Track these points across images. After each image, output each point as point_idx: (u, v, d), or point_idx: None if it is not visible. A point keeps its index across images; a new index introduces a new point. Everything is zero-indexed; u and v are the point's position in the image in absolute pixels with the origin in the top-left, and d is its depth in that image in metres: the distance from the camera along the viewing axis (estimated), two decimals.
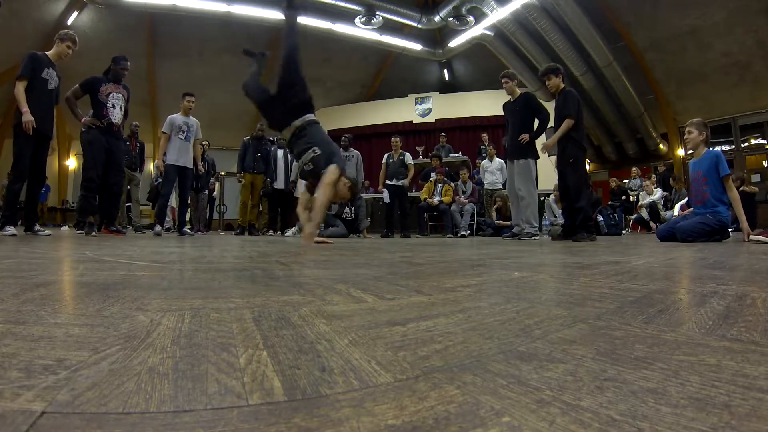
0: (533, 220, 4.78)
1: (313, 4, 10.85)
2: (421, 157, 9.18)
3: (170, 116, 5.52)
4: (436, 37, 12.93)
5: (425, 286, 1.03)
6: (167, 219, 8.08)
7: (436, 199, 7.30)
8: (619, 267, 1.52)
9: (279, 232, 7.30)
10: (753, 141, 11.15)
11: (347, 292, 0.91)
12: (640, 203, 8.72)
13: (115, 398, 0.34)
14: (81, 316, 0.64)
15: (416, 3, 11.49)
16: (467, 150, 10.27)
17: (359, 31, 11.48)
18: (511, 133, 4.95)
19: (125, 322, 0.60)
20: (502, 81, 4.94)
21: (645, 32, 10.41)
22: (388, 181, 6.83)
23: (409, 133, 13.21)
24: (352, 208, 6.52)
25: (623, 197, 9.06)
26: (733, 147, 11.11)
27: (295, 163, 6.58)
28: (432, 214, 7.69)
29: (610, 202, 8.50)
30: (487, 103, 12.28)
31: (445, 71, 14.87)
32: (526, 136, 4.71)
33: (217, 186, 8.85)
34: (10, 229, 3.70)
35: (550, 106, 4.86)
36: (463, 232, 7.05)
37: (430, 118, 13.55)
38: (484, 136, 8.97)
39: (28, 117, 3.73)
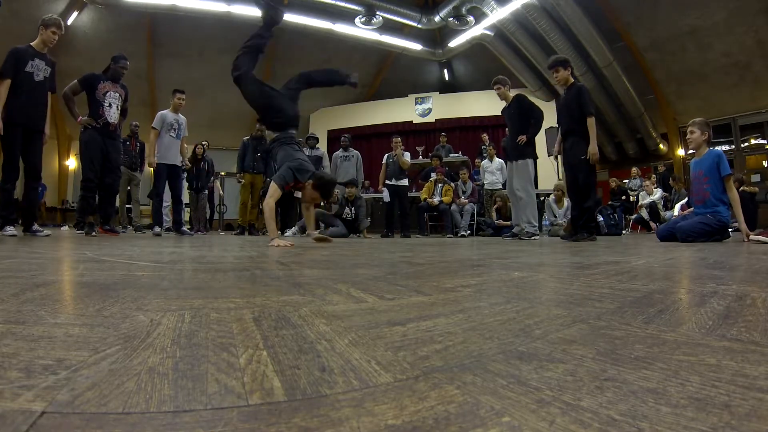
0: (533, 220, 4.78)
1: (313, 4, 10.86)
2: (421, 157, 9.18)
3: (160, 112, 5.47)
4: (436, 37, 12.93)
5: (425, 286, 1.03)
6: (167, 219, 8.10)
7: (436, 199, 7.30)
8: (619, 267, 1.52)
9: (279, 232, 7.30)
10: (753, 141, 11.15)
11: (347, 292, 0.91)
12: (640, 203, 8.72)
13: (115, 398, 0.34)
14: (81, 316, 0.64)
15: (416, 3, 11.49)
16: (467, 150, 10.28)
17: (359, 31, 11.48)
18: (510, 135, 4.97)
19: (125, 322, 0.60)
20: (494, 87, 4.93)
21: (645, 32, 10.41)
22: (387, 181, 6.83)
23: (409, 133, 13.21)
24: (352, 209, 6.52)
25: (623, 197, 9.06)
26: (733, 147, 11.11)
27: None
28: (432, 214, 7.69)
29: (610, 202, 8.50)
30: (487, 103, 12.26)
31: (445, 71, 14.87)
32: (523, 137, 4.72)
33: (217, 184, 8.81)
34: (10, 230, 3.68)
35: (549, 106, 4.86)
36: (463, 232, 7.05)
37: (430, 118, 13.55)
38: (485, 136, 8.97)
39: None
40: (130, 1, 9.98)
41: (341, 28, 11.44)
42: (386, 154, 7.01)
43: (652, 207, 8.44)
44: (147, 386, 0.37)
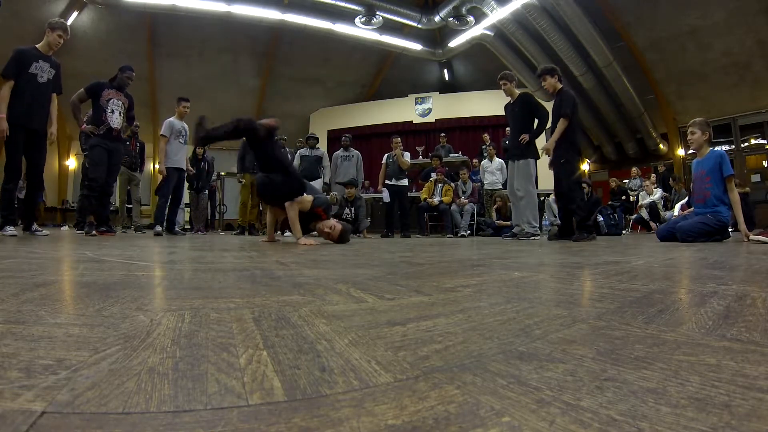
0: (533, 220, 4.78)
1: (313, 4, 10.85)
2: (421, 157, 9.17)
3: (168, 120, 5.68)
4: (436, 37, 12.93)
5: (425, 286, 1.03)
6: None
7: (436, 199, 7.30)
8: (619, 267, 1.52)
9: (279, 232, 7.30)
10: (753, 141, 11.15)
11: (347, 292, 0.91)
12: (640, 203, 8.71)
13: (115, 398, 0.34)
14: (81, 316, 0.64)
15: (416, 3, 11.48)
16: (467, 150, 10.27)
17: (359, 31, 11.47)
18: (512, 134, 4.96)
19: (125, 322, 0.60)
20: (500, 83, 4.94)
21: (645, 32, 10.40)
22: (387, 181, 6.82)
23: (409, 133, 13.20)
24: (353, 209, 6.51)
25: (623, 197, 9.05)
26: (733, 147, 11.10)
27: (295, 163, 6.59)
28: (432, 214, 7.69)
29: (610, 202, 8.49)
30: (487, 103, 12.27)
31: (445, 71, 14.86)
32: (525, 136, 4.72)
33: (218, 183, 8.80)
34: (10, 230, 3.69)
35: (549, 106, 4.86)
36: (463, 232, 7.05)
37: (430, 118, 13.54)
38: (486, 136, 8.96)
39: (2, 125, 3.64)
40: (130, 1, 9.97)
41: (341, 28, 11.43)
42: (386, 154, 7.00)
43: (652, 207, 8.44)
44: (147, 386, 0.37)
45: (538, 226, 4.86)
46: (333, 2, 10.55)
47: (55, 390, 0.35)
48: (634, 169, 10.26)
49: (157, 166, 7.40)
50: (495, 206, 7.43)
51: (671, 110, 11.78)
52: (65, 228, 8.11)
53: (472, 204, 7.36)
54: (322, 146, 9.64)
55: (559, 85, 4.57)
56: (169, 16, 10.67)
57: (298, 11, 10.99)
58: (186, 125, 5.76)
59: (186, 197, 7.54)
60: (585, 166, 14.43)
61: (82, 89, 4.46)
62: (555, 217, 7.10)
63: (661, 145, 12.47)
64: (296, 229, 3.41)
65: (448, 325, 0.62)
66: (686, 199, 7.38)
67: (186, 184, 7.47)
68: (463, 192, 7.54)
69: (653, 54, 10.75)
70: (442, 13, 10.72)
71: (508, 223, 6.16)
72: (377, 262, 1.71)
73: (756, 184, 10.35)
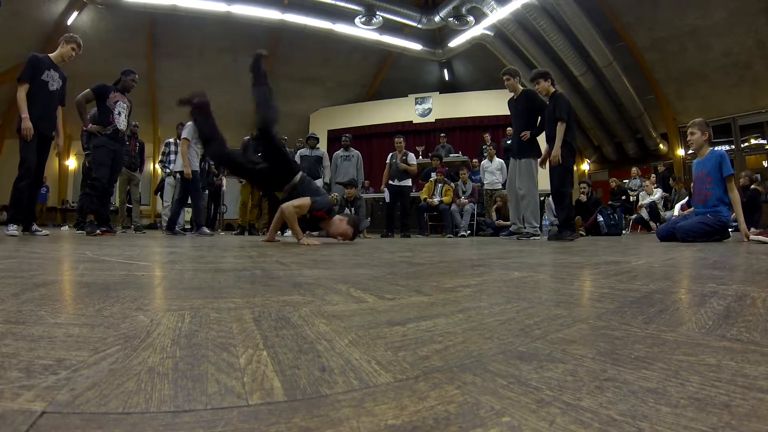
0: (533, 220, 4.77)
1: (313, 4, 10.85)
2: (421, 157, 9.18)
3: (189, 124, 5.81)
4: (436, 37, 12.93)
5: (425, 286, 1.03)
6: (166, 219, 8.09)
7: (436, 199, 7.30)
8: (619, 267, 1.52)
9: (279, 232, 7.29)
10: (753, 141, 11.15)
11: (347, 292, 0.91)
12: (640, 203, 8.71)
13: (115, 398, 0.34)
14: (81, 316, 0.64)
15: (416, 3, 11.48)
16: (467, 150, 10.27)
17: (359, 31, 11.47)
18: (515, 131, 4.96)
19: (125, 322, 0.60)
20: (504, 78, 4.92)
21: (645, 32, 10.40)
22: (390, 182, 6.81)
23: (409, 133, 13.20)
24: (352, 209, 6.51)
25: (623, 197, 9.04)
26: (733, 147, 11.11)
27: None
28: (432, 214, 7.69)
29: (610, 202, 8.49)
30: (487, 103, 12.27)
31: (445, 71, 14.86)
32: (527, 133, 4.72)
33: (224, 181, 8.78)
34: (13, 228, 3.73)
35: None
36: (463, 232, 7.05)
37: (430, 118, 13.55)
38: (486, 136, 8.96)
39: (27, 123, 3.79)
40: (130, 1, 9.97)
41: (341, 28, 11.43)
42: (390, 154, 6.99)
43: (652, 207, 8.44)
44: (147, 386, 0.37)
45: (538, 226, 4.86)
46: (333, 2, 10.55)
47: (55, 390, 0.35)
48: (634, 169, 10.26)
49: (157, 166, 7.40)
50: (495, 206, 7.44)
51: (671, 110, 11.78)
52: (65, 228, 8.11)
53: (472, 204, 7.36)
54: (322, 146, 9.61)
55: (552, 89, 4.61)
56: (169, 16, 10.67)
57: (298, 11, 10.99)
58: None
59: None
60: (585, 166, 14.44)
61: (89, 90, 4.53)
62: (555, 217, 7.10)
63: (661, 145, 12.47)
64: (295, 230, 3.40)
65: (448, 325, 0.62)
66: (686, 199, 7.39)
67: None
68: (463, 192, 7.55)
69: (653, 54, 10.75)
70: (442, 13, 10.73)
71: (508, 223, 6.17)
72: (377, 262, 1.71)
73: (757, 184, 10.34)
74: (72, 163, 13.84)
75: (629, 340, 0.53)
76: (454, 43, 12.23)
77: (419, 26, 11.43)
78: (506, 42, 11.29)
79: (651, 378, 0.40)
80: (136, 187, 7.42)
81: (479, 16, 10.69)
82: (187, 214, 7.82)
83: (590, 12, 9.69)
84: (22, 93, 3.83)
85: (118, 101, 4.63)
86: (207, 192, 8.22)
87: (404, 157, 6.80)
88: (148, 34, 11.77)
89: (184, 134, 5.79)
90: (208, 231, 5.92)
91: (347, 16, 11.01)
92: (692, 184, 4.45)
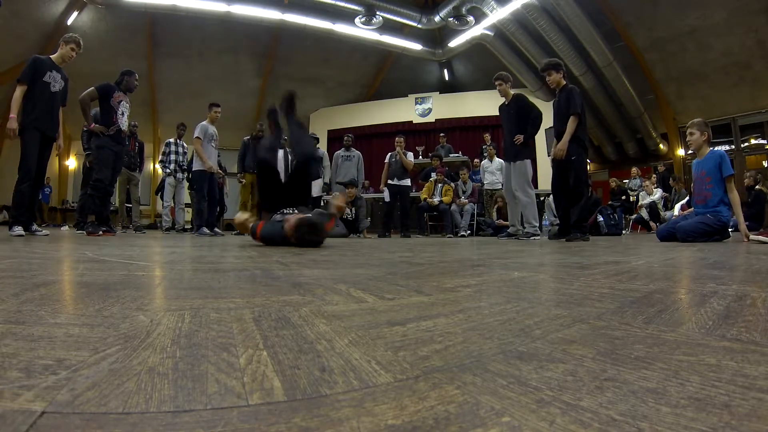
0: (533, 220, 4.78)
1: (313, 4, 10.85)
2: (421, 157, 9.18)
3: (201, 124, 5.92)
4: (436, 37, 12.92)
5: (425, 286, 1.03)
6: (167, 219, 8.10)
7: (436, 199, 7.30)
8: (619, 267, 1.52)
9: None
10: (753, 141, 11.14)
11: (347, 292, 0.91)
12: (640, 203, 8.71)
13: (115, 398, 0.34)
14: (81, 316, 0.64)
15: (416, 3, 11.48)
16: (467, 150, 10.27)
17: (359, 31, 11.46)
18: (507, 135, 4.92)
19: (125, 322, 0.60)
20: (496, 83, 4.93)
21: (645, 32, 10.40)
22: (390, 181, 6.81)
23: (409, 133, 13.18)
24: (353, 209, 6.51)
25: (623, 197, 9.04)
26: (733, 147, 11.10)
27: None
28: (432, 214, 7.69)
29: (610, 202, 8.49)
30: (487, 103, 12.24)
31: (445, 71, 14.86)
32: (520, 137, 4.71)
33: (227, 181, 8.77)
34: (17, 230, 3.75)
35: (549, 106, 4.85)
36: (463, 232, 7.05)
37: (430, 118, 13.54)
38: (487, 136, 8.96)
39: (13, 124, 3.79)
40: (130, 1, 9.97)
41: (341, 28, 11.42)
42: (389, 153, 6.99)
43: (652, 207, 8.44)
44: (147, 386, 0.37)
45: (538, 226, 4.86)
46: (333, 2, 10.54)
47: (55, 390, 0.35)
48: (634, 169, 10.26)
49: (157, 166, 7.42)
50: (495, 206, 7.44)
51: (671, 110, 11.77)
52: (65, 228, 8.11)
53: (472, 204, 7.36)
54: (323, 146, 9.62)
55: (563, 82, 4.48)
56: (169, 16, 10.67)
57: (298, 11, 10.98)
58: (216, 130, 6.04)
59: (186, 197, 7.54)
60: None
61: (93, 89, 4.54)
62: (555, 217, 7.10)
63: (661, 145, 12.47)
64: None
65: (448, 325, 0.62)
66: (686, 199, 7.39)
67: (186, 184, 7.50)
68: (463, 192, 7.55)
69: (653, 54, 10.75)
70: (442, 13, 10.72)
71: (508, 223, 6.17)
72: (377, 262, 1.71)
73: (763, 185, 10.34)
74: (72, 163, 13.84)
75: (629, 340, 0.53)
76: (454, 43, 12.23)
77: (419, 26, 11.43)
78: (506, 42, 11.29)
79: (651, 378, 0.40)
80: (136, 187, 7.42)
81: (479, 16, 10.68)
82: (187, 214, 7.81)
83: (590, 12, 9.69)
84: (17, 93, 3.85)
85: (121, 101, 4.65)
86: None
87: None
88: (148, 34, 11.76)
89: (196, 133, 5.81)
90: (207, 231, 5.92)
91: (347, 16, 11.01)
92: (692, 184, 4.44)
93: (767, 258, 1.91)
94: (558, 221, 5.35)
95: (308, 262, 1.72)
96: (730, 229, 3.92)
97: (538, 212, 5.16)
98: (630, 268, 1.50)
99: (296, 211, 3.02)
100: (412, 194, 8.03)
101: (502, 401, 0.34)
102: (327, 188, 7.02)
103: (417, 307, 0.75)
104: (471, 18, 10.57)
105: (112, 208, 5.58)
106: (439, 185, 7.41)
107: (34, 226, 4.18)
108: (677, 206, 7.46)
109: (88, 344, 0.49)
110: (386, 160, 6.97)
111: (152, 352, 0.47)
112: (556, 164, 4.52)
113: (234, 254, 2.17)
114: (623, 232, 7.59)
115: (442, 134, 9.82)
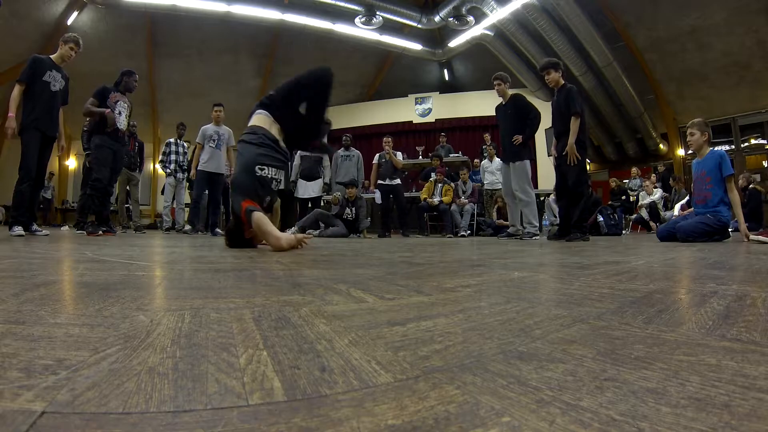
0: (533, 220, 4.78)
1: (313, 4, 10.85)
2: (421, 157, 9.17)
3: (203, 127, 6.03)
4: (436, 37, 12.92)
5: (425, 286, 1.03)
6: (167, 219, 8.10)
7: (436, 199, 7.30)
8: (619, 267, 1.52)
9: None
10: (753, 141, 11.15)
11: (347, 292, 0.91)
12: (640, 203, 8.71)
13: (115, 398, 0.34)
14: (81, 316, 0.64)
15: (416, 3, 11.48)
16: (467, 150, 10.27)
17: (359, 31, 11.46)
18: (505, 136, 4.91)
19: (125, 322, 0.60)
20: (494, 83, 4.93)
21: (645, 32, 10.40)
22: (380, 181, 6.81)
23: (409, 133, 13.20)
24: (353, 209, 6.51)
25: (623, 197, 9.05)
26: (733, 147, 11.10)
27: (295, 163, 6.59)
28: (432, 214, 7.69)
29: (610, 202, 8.49)
30: (487, 103, 12.22)
31: (445, 71, 14.86)
32: (518, 138, 4.71)
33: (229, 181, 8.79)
34: (17, 230, 3.75)
35: (548, 106, 4.85)
36: (463, 232, 7.05)
37: (430, 118, 13.55)
38: (487, 136, 8.97)
39: (12, 123, 3.80)
40: (130, 1, 9.96)
41: (341, 28, 11.42)
42: (377, 154, 7.00)
43: (652, 207, 8.44)
44: (147, 386, 0.37)
45: (538, 225, 4.86)
46: (333, 2, 10.54)
47: (55, 390, 0.35)
48: (634, 169, 10.26)
49: (157, 166, 7.43)
50: (495, 206, 7.44)
51: (671, 110, 11.78)
52: (65, 228, 8.11)
53: (472, 204, 7.36)
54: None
55: (562, 81, 4.47)
56: (169, 16, 10.67)
57: (298, 11, 10.98)
58: (221, 129, 6.07)
59: (186, 197, 7.53)
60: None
61: (92, 97, 4.57)
62: (555, 217, 7.10)
63: (661, 145, 12.47)
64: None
65: (448, 325, 0.62)
66: (686, 199, 7.40)
67: (186, 184, 7.49)
68: (463, 192, 7.54)
69: (653, 54, 10.75)
70: (442, 13, 10.72)
71: (508, 223, 6.17)
72: (377, 262, 1.71)
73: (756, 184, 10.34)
74: (72, 163, 13.84)
75: (629, 340, 0.53)
76: (454, 43, 12.23)
77: (419, 26, 11.43)
78: (506, 42, 11.29)
79: (651, 378, 0.40)
80: (136, 187, 7.41)
81: (479, 16, 10.68)
82: (187, 214, 7.81)
83: (590, 12, 9.69)
84: (15, 92, 3.85)
85: (118, 101, 4.66)
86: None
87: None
88: (148, 34, 11.76)
89: (197, 139, 5.98)
90: (219, 231, 5.95)
91: (347, 16, 11.01)
92: (692, 184, 4.44)
93: (767, 258, 1.91)
94: (558, 221, 5.36)
95: (308, 262, 1.72)
96: (730, 229, 3.92)
97: (538, 212, 5.16)
98: (630, 268, 1.50)
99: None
100: (413, 194, 8.03)
101: (502, 401, 0.34)
102: (327, 188, 7.01)
103: (417, 307, 0.75)
104: (471, 18, 10.57)
105: (111, 208, 5.58)
106: (439, 185, 7.40)
107: (34, 226, 4.18)
108: (677, 206, 7.46)
109: (88, 344, 0.49)
110: (375, 161, 6.97)
111: (152, 352, 0.47)
112: (558, 165, 4.52)
113: (234, 254, 2.17)
114: (623, 232, 7.59)
115: (442, 134, 9.81)
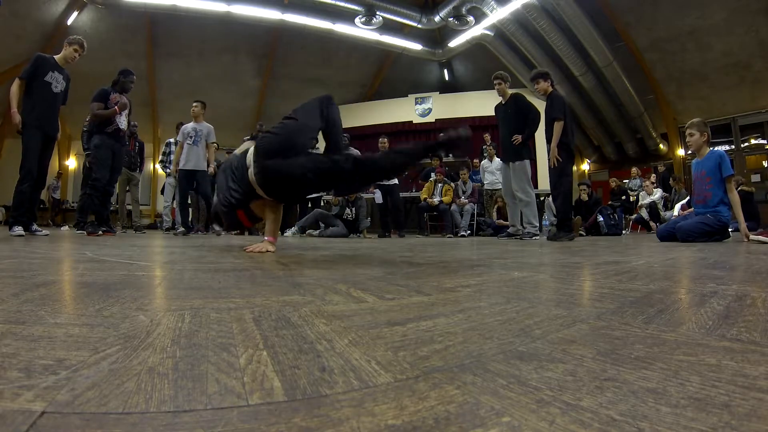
0: (533, 220, 4.78)
1: (313, 4, 10.85)
2: None
3: (183, 126, 5.96)
4: (436, 37, 12.92)
5: (425, 286, 1.03)
6: (167, 219, 8.10)
7: (436, 199, 7.29)
8: (619, 267, 1.52)
9: (279, 232, 7.28)
10: (753, 141, 11.14)
11: (347, 292, 0.91)
12: (640, 203, 8.71)
13: (115, 398, 0.34)
14: (81, 316, 0.64)
15: (416, 3, 11.47)
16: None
17: (359, 31, 11.46)
18: (505, 135, 4.93)
19: (125, 322, 0.60)
20: (495, 83, 4.95)
21: (645, 32, 10.40)
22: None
23: (409, 133, 13.18)
24: (353, 209, 6.51)
25: (623, 197, 9.04)
26: (733, 147, 11.10)
27: None
28: (432, 214, 7.68)
29: (610, 202, 8.49)
30: (487, 103, 12.19)
31: (445, 71, 14.86)
32: (518, 137, 4.72)
33: None
34: (17, 230, 3.76)
35: (541, 105, 4.86)
36: (463, 232, 7.05)
37: (430, 118, 13.53)
38: (487, 136, 8.96)
39: (16, 118, 3.81)
40: (130, 1, 9.96)
41: (341, 28, 11.42)
42: None
43: (652, 207, 8.44)
44: (147, 386, 0.37)
45: (538, 225, 4.86)
46: (333, 2, 10.54)
47: (55, 390, 0.35)
48: (634, 169, 10.26)
49: (157, 166, 7.43)
50: (495, 206, 7.43)
51: (671, 110, 11.77)
52: (65, 228, 8.11)
53: (472, 204, 7.36)
54: (322, 146, 9.53)
55: (551, 89, 4.61)
56: (169, 16, 10.67)
57: (298, 11, 10.98)
58: (199, 125, 5.93)
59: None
60: (585, 166, 14.44)
61: (95, 102, 4.59)
62: (555, 217, 7.10)
63: (661, 145, 12.47)
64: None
65: (448, 325, 0.62)
66: (686, 199, 7.39)
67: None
68: (463, 192, 7.54)
69: (653, 54, 10.74)
70: (442, 13, 10.72)
71: (508, 223, 6.17)
72: (377, 262, 1.71)
73: (756, 184, 10.34)
74: (72, 163, 13.84)
75: (629, 340, 0.53)
76: (454, 43, 12.22)
77: (419, 26, 11.42)
78: (506, 42, 11.29)
79: (651, 378, 0.40)
80: (136, 187, 7.41)
81: (479, 16, 10.68)
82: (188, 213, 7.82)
83: (590, 12, 9.69)
84: (15, 87, 3.85)
85: (118, 102, 4.67)
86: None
87: None
88: (148, 34, 11.75)
89: (178, 138, 5.93)
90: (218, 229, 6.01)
91: (347, 16, 11.01)
92: (692, 184, 4.45)
93: (767, 258, 1.91)
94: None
95: (308, 262, 1.72)
96: (730, 230, 3.92)
97: (538, 212, 5.16)
98: (630, 268, 1.50)
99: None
100: (413, 194, 8.03)
101: (502, 401, 0.34)
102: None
103: (417, 307, 0.75)
104: (471, 18, 10.57)
105: (111, 208, 5.59)
106: (439, 185, 7.40)
107: (34, 226, 4.18)
108: (677, 206, 7.45)
109: (88, 344, 0.49)
110: None
111: (152, 352, 0.47)
112: (549, 168, 4.66)
113: (234, 254, 2.17)
114: (623, 232, 7.59)
115: (442, 134, 9.81)
